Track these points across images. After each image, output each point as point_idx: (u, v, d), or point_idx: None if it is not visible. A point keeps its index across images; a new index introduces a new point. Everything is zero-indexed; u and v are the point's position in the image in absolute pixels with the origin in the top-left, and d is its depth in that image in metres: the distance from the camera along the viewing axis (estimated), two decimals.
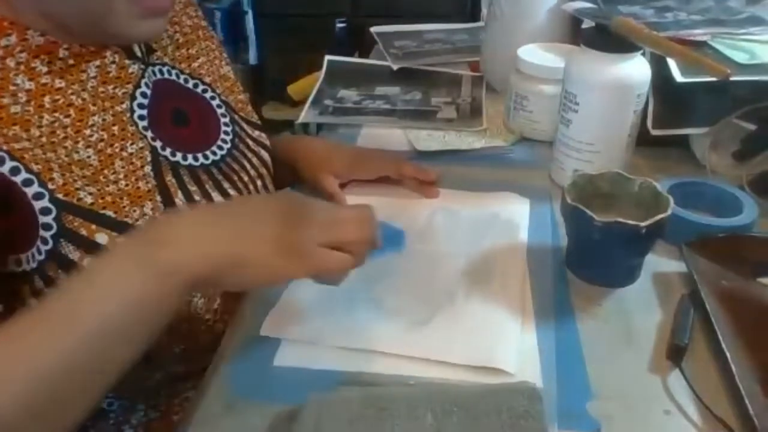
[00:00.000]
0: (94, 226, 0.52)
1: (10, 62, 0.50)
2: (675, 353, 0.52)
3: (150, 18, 0.54)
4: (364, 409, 0.44)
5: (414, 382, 0.49)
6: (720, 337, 0.51)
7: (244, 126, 0.72)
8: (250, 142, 0.71)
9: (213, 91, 0.69)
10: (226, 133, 0.68)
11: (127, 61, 0.59)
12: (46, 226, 0.49)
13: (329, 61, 1.14)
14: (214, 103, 0.69)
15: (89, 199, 0.52)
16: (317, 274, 0.49)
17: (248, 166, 0.69)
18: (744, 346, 0.51)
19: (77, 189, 0.51)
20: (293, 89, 2.16)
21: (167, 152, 0.60)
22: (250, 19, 2.50)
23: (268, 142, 0.75)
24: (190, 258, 0.44)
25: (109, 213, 0.53)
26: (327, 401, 0.45)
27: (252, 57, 2.56)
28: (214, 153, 0.65)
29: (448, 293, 0.59)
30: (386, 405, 0.44)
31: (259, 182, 0.70)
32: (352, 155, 0.78)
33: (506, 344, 0.53)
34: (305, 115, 0.97)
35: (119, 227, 0.53)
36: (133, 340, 0.43)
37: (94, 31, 0.54)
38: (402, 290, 0.59)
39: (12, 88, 0.50)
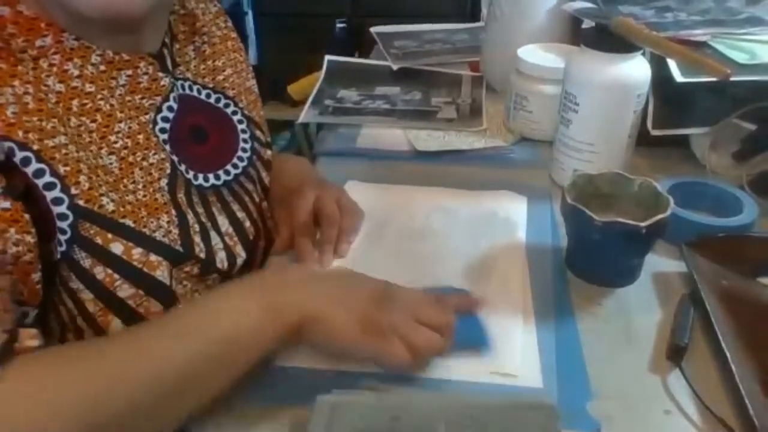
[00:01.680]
0: (110, 235, 0.51)
1: (44, 63, 0.50)
2: (675, 353, 0.52)
3: None
4: (376, 416, 0.44)
5: (424, 388, 0.49)
6: (720, 337, 0.51)
7: (263, 142, 0.72)
8: (266, 161, 0.72)
9: (236, 105, 0.69)
10: (244, 150, 0.68)
11: (160, 74, 0.58)
12: (61, 231, 0.49)
13: (329, 61, 1.14)
14: (236, 118, 0.68)
15: (111, 206, 0.52)
16: (380, 359, 0.49)
17: (257, 187, 0.69)
18: (744, 346, 0.51)
19: (101, 195, 0.51)
20: (293, 89, 2.16)
21: (183, 168, 0.60)
22: (250, 19, 2.50)
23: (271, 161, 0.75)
24: (290, 303, 0.48)
25: (129, 222, 0.53)
26: (339, 404, 0.45)
27: (252, 57, 2.56)
28: (228, 173, 0.65)
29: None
30: (399, 414, 0.44)
31: (264, 204, 0.70)
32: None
33: (509, 345, 0.53)
34: (305, 115, 0.97)
35: (137, 237, 0.53)
36: (236, 368, 0.46)
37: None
38: None
39: (43, 88, 0.49)
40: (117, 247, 0.52)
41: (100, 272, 0.51)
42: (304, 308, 0.48)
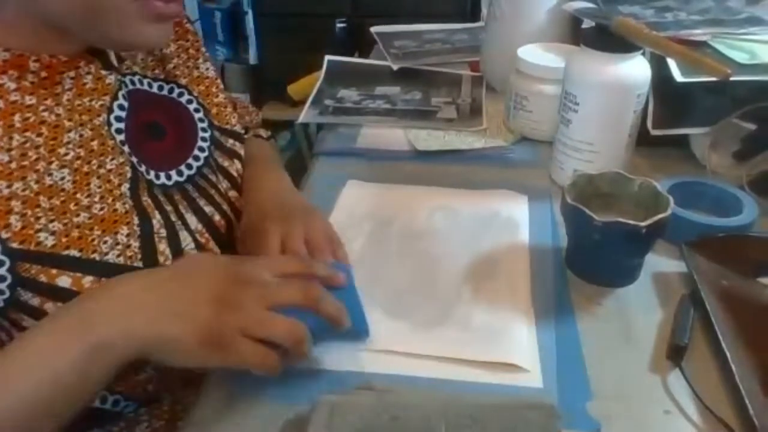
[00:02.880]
0: (54, 271, 0.48)
1: None
2: (675, 353, 0.52)
3: (156, 22, 0.51)
4: (376, 416, 0.44)
5: (424, 388, 0.49)
6: (720, 337, 0.51)
7: (219, 134, 0.69)
8: (227, 148, 0.69)
9: (190, 93, 0.66)
10: (204, 139, 0.65)
11: (103, 72, 0.56)
12: (1, 278, 0.46)
13: (329, 61, 1.14)
14: (192, 107, 0.66)
15: (50, 241, 0.48)
16: (235, 366, 0.45)
17: (220, 177, 0.66)
18: (744, 346, 0.51)
19: (38, 231, 0.48)
20: (293, 89, 2.16)
21: (143, 169, 0.57)
22: (250, 19, 2.50)
23: (242, 152, 0.71)
24: (118, 337, 0.44)
25: (74, 253, 0.50)
26: (339, 404, 0.45)
27: (252, 57, 2.56)
28: (190, 167, 0.62)
29: (454, 292, 0.59)
30: (399, 413, 0.44)
31: (232, 193, 0.68)
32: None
33: (518, 341, 0.53)
34: (305, 115, 0.97)
35: (86, 266, 0.50)
36: (56, 413, 0.43)
37: (94, 34, 0.51)
38: (405, 291, 0.59)
39: None
40: (64, 281, 0.49)
41: (51, 308, 0.49)
42: (135, 337, 0.44)
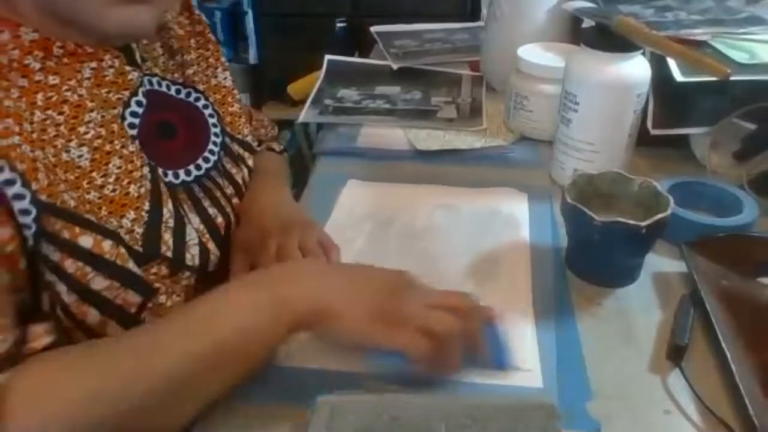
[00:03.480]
0: (78, 229, 0.50)
1: (3, 59, 0.49)
2: (675, 353, 0.52)
3: (123, 5, 0.50)
4: (376, 416, 0.44)
5: (424, 388, 0.49)
6: (720, 337, 0.51)
7: (230, 141, 0.70)
8: (236, 155, 0.70)
9: (206, 99, 0.68)
10: (215, 143, 0.67)
11: (127, 68, 0.57)
12: (26, 226, 0.47)
13: (329, 61, 1.14)
14: (207, 112, 0.67)
15: (72, 203, 0.50)
16: (394, 348, 0.47)
17: (226, 183, 0.67)
18: (744, 346, 0.51)
19: (61, 191, 0.49)
20: (293, 89, 2.16)
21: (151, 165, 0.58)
22: (250, 19, 2.50)
23: (251, 162, 0.73)
24: (300, 296, 0.48)
25: (92, 217, 0.51)
26: (339, 404, 0.45)
27: (252, 57, 2.56)
28: (198, 167, 0.64)
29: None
30: (399, 414, 0.44)
31: (235, 200, 0.68)
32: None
33: (519, 341, 0.53)
34: (305, 114, 0.97)
35: (104, 231, 0.51)
36: (236, 368, 0.46)
37: (82, 20, 0.51)
38: None
39: (5, 83, 0.49)
40: (86, 241, 0.50)
41: (71, 265, 0.50)
42: (312, 300, 0.47)
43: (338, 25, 2.39)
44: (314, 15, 2.43)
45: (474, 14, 1.95)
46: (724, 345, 0.50)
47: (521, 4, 0.95)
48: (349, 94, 1.02)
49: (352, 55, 1.35)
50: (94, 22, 0.50)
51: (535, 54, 0.86)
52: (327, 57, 1.14)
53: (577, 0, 0.91)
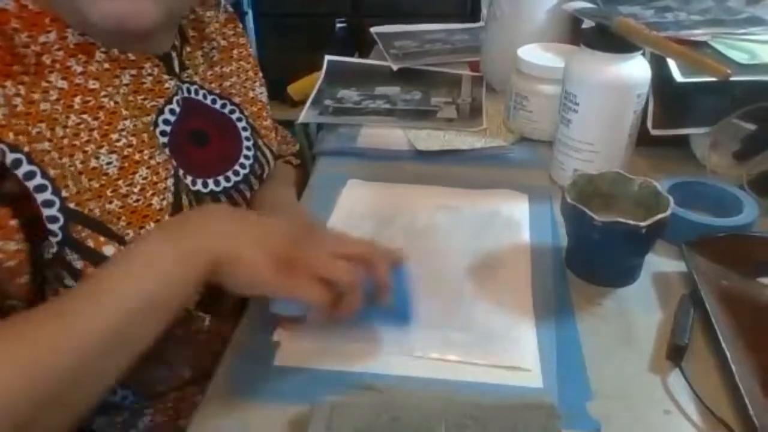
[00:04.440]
0: (102, 238, 0.51)
1: (47, 59, 0.50)
2: (675, 353, 0.52)
3: None
4: (376, 416, 0.44)
5: (424, 388, 0.49)
6: (720, 337, 0.51)
7: (266, 153, 0.72)
8: (267, 171, 0.71)
9: (241, 112, 0.68)
10: (246, 157, 0.68)
11: (165, 76, 0.58)
12: (52, 233, 0.48)
13: (329, 61, 1.14)
14: (241, 125, 0.68)
15: (97, 211, 0.51)
16: (294, 297, 0.48)
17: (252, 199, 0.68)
18: (744, 346, 0.51)
19: (87, 200, 0.50)
20: (293, 89, 2.16)
21: (180, 173, 0.59)
22: (250, 19, 2.50)
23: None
24: (211, 245, 0.46)
25: (113, 228, 0.52)
26: (339, 404, 0.45)
27: None
28: (228, 179, 0.64)
29: (455, 293, 0.59)
30: (399, 414, 0.44)
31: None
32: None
33: (519, 341, 0.53)
34: (305, 115, 0.97)
35: (123, 241, 0.52)
36: (161, 319, 0.45)
37: (86, 19, 0.50)
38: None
39: (44, 84, 0.49)
40: (109, 249, 0.51)
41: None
42: (217, 250, 0.46)
43: (338, 25, 2.39)
44: (314, 15, 2.43)
45: (474, 14, 1.95)
46: (724, 345, 0.50)
47: (521, 5, 0.95)
48: (349, 95, 1.02)
49: (352, 55, 1.35)
50: (84, 11, 0.50)
51: (535, 54, 0.86)
52: (327, 57, 1.14)
53: (577, 0, 0.92)
